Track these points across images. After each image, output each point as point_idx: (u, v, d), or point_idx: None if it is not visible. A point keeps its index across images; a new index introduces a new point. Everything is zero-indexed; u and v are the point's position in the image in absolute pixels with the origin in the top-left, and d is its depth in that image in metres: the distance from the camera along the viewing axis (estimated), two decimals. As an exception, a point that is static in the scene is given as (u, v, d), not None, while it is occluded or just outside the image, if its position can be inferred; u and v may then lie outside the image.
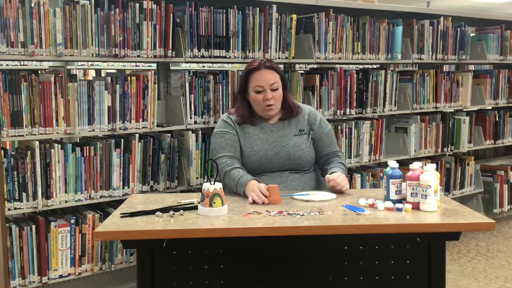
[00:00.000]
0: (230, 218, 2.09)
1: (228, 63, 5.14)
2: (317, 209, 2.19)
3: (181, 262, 2.07)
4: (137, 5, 2.84)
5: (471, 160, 4.42)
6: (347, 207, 2.21)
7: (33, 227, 2.69)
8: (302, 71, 3.78)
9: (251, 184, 2.37)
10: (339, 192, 2.44)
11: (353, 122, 3.64)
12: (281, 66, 3.51)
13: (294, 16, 3.37)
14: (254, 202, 2.28)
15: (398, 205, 2.16)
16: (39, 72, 2.71)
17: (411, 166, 2.21)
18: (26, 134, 2.62)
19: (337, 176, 2.44)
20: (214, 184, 2.12)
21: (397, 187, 2.22)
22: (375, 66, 4.19)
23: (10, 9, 2.51)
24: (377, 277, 2.11)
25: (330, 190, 2.47)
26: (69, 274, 2.80)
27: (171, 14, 2.92)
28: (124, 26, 2.80)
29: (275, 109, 2.61)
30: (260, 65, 2.59)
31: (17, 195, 2.62)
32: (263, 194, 2.28)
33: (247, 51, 3.19)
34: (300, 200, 2.35)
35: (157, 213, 2.12)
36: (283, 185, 2.55)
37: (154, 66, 3.75)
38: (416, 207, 2.16)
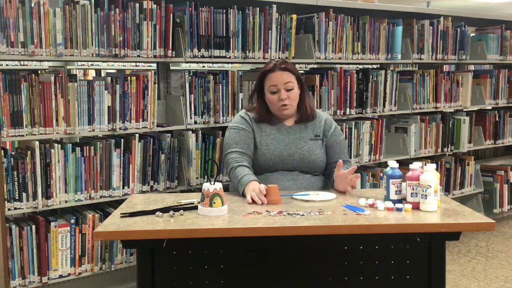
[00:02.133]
0: (230, 218, 2.09)
1: (228, 63, 5.13)
2: (317, 209, 2.19)
3: (181, 262, 2.07)
4: (137, 5, 2.84)
5: (471, 160, 4.42)
6: (347, 207, 2.21)
7: (33, 227, 2.69)
8: (302, 71, 3.78)
9: (252, 184, 2.37)
10: (343, 189, 2.45)
11: (353, 122, 3.64)
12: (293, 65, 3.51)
13: (294, 16, 3.37)
14: (253, 202, 2.27)
15: (398, 205, 2.16)
16: (39, 72, 2.71)
17: (411, 166, 2.21)
18: (26, 134, 2.62)
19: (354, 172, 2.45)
20: (214, 184, 2.12)
21: (397, 187, 2.22)
22: (375, 66, 4.19)
23: (10, 9, 2.51)
24: (377, 277, 2.11)
25: (335, 185, 2.50)
26: (69, 274, 2.80)
27: (171, 14, 2.92)
28: (124, 26, 2.80)
29: (291, 108, 2.62)
30: (275, 66, 2.61)
31: (17, 195, 2.62)
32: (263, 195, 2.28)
33: (247, 51, 3.19)
34: (300, 200, 2.34)
35: (157, 213, 2.12)
36: (292, 182, 2.57)
37: (154, 66, 3.75)
38: (416, 207, 2.16)
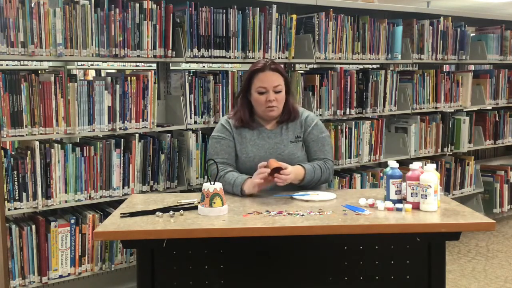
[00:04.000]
0: (230, 218, 2.09)
1: (228, 63, 5.14)
2: (317, 209, 2.19)
3: (181, 262, 2.07)
4: (137, 5, 2.84)
5: (471, 160, 4.42)
6: (347, 207, 2.21)
7: (33, 227, 2.69)
8: (302, 71, 3.78)
9: (249, 181, 2.39)
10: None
11: (353, 122, 3.64)
12: (281, 66, 3.51)
13: (294, 16, 3.37)
14: (264, 182, 2.36)
15: (398, 205, 2.16)
16: (39, 72, 2.71)
17: (411, 166, 2.21)
18: (26, 134, 2.62)
19: (288, 172, 2.39)
20: (214, 184, 2.12)
21: (397, 187, 2.22)
22: (375, 66, 4.19)
23: (10, 9, 2.51)
24: (377, 277, 2.11)
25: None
26: (69, 274, 2.80)
27: (171, 14, 2.92)
28: (124, 26, 2.80)
29: (277, 110, 2.60)
30: (265, 66, 2.58)
31: (17, 195, 2.62)
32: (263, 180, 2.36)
33: (247, 51, 3.19)
34: (300, 200, 2.35)
35: (157, 213, 2.12)
36: (280, 186, 2.55)
37: (154, 66, 3.75)
38: (416, 207, 2.16)
